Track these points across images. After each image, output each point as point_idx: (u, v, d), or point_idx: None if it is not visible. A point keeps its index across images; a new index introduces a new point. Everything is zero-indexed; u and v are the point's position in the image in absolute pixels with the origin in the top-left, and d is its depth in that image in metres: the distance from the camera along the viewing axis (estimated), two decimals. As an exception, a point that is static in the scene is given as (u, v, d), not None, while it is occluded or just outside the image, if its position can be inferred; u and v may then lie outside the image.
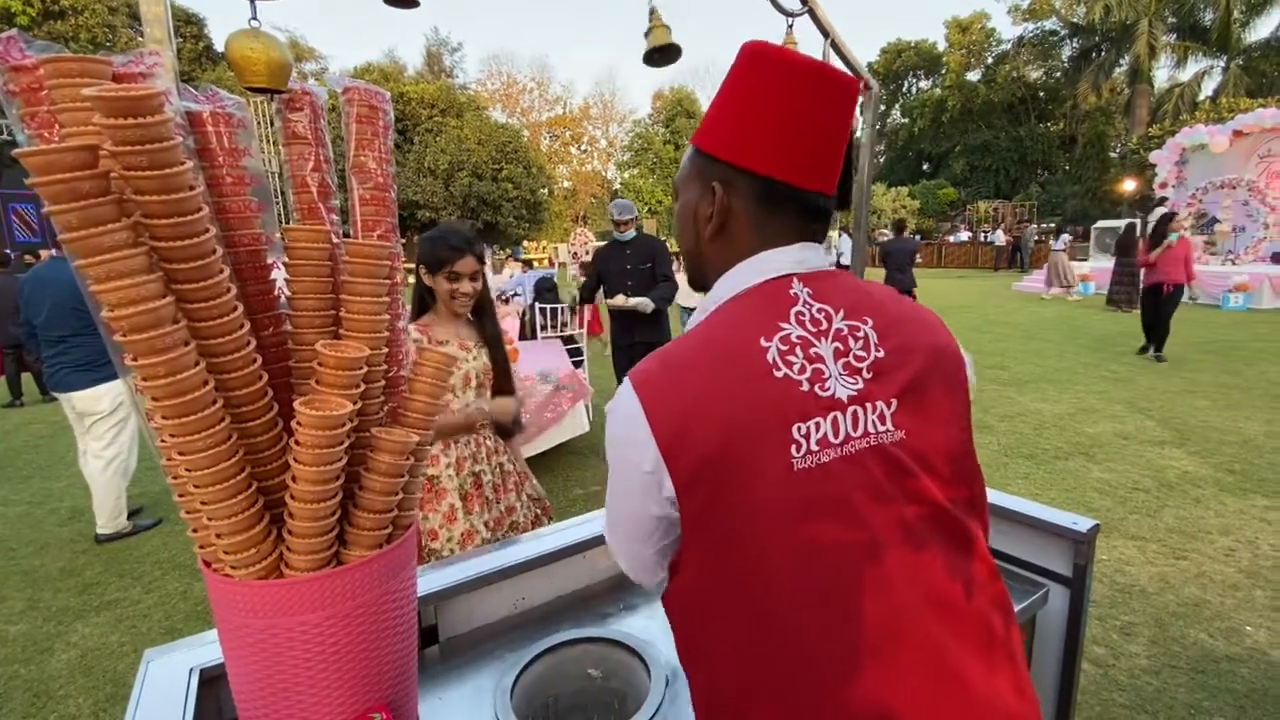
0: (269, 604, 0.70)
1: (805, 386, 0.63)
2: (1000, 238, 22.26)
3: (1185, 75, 25.02)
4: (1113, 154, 28.68)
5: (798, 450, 0.61)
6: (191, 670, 0.94)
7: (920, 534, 0.64)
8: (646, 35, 2.32)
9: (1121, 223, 13.53)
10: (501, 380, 1.88)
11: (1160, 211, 7.87)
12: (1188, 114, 21.44)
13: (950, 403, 0.71)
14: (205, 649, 0.98)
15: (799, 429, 0.62)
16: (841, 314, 0.68)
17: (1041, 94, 31.63)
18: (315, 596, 0.71)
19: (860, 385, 0.65)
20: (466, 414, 1.78)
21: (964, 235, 24.86)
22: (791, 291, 0.68)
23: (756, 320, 0.66)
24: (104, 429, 3.52)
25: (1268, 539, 3.11)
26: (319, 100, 0.85)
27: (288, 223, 0.79)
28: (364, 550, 0.74)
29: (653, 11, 2.30)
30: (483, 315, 1.88)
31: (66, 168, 0.53)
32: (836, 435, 0.63)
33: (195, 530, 0.70)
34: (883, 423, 0.65)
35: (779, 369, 0.63)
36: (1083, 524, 1.28)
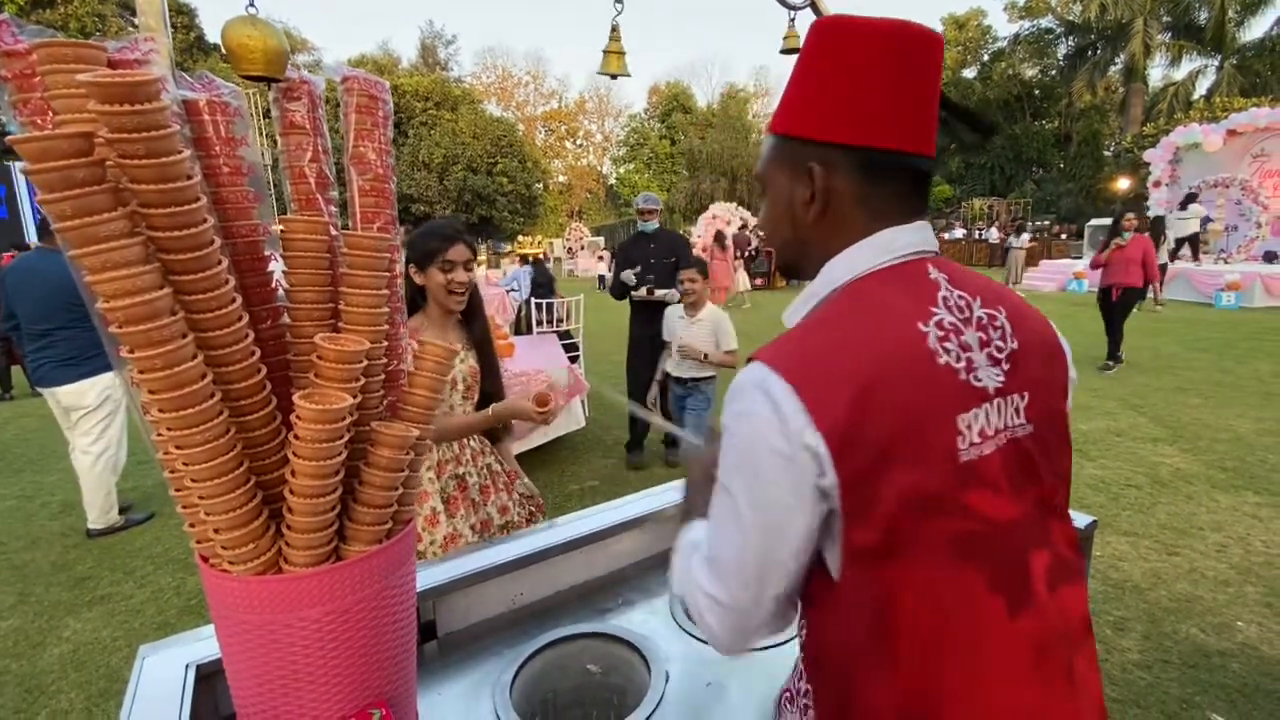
0: (267, 600, 0.69)
1: (963, 375, 0.61)
2: (994, 235, 22.32)
3: (1180, 74, 25.12)
4: (1107, 152, 28.76)
5: (963, 441, 0.59)
6: (188, 666, 0.93)
7: (1042, 530, 0.65)
8: (604, 53, 2.28)
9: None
10: (489, 382, 1.85)
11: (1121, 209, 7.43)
12: (1182, 113, 21.54)
13: (1062, 399, 0.70)
14: (201, 644, 0.97)
15: (963, 419, 0.59)
16: (979, 301, 0.65)
17: (1037, 92, 31.70)
18: (314, 592, 0.70)
19: (1003, 377, 0.63)
20: (482, 416, 1.75)
21: (958, 233, 24.91)
22: (931, 276, 0.65)
23: (907, 301, 0.62)
24: (91, 424, 3.47)
25: (1259, 535, 3.14)
26: (317, 89, 0.84)
27: (282, 214, 0.78)
28: (364, 545, 0.74)
29: (614, 29, 2.24)
30: (472, 317, 1.85)
31: (61, 155, 0.51)
32: (990, 427, 0.61)
33: (192, 525, 0.69)
34: (1018, 416, 0.64)
35: (940, 355, 0.60)
36: (1080, 520, 1.28)
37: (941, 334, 0.61)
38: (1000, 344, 0.64)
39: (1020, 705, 0.61)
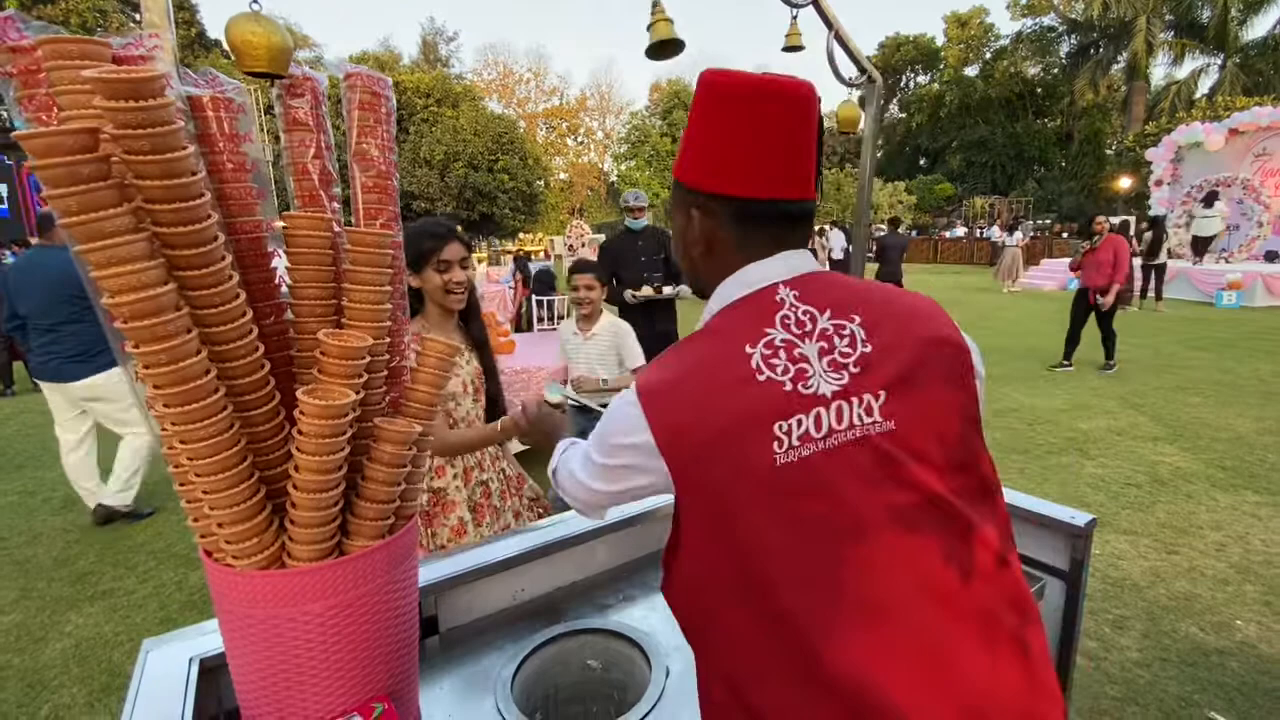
0: (271, 594, 0.69)
1: (788, 386, 0.67)
2: (996, 233, 22.31)
3: (1182, 73, 25.07)
4: (1109, 151, 28.72)
5: (779, 446, 0.65)
6: (191, 660, 0.93)
7: (913, 520, 0.66)
8: (649, 28, 2.29)
9: (1115, 220, 13.55)
10: (492, 383, 1.85)
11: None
12: (1184, 111, 21.48)
13: (948, 392, 0.72)
14: (205, 639, 0.98)
15: (780, 426, 0.66)
16: (827, 314, 0.72)
17: (1039, 90, 31.63)
18: (318, 586, 0.70)
19: (845, 380, 0.68)
20: (491, 429, 1.72)
21: (960, 231, 24.89)
22: (777, 298, 0.72)
23: (743, 329, 0.71)
24: (125, 413, 3.54)
25: (1258, 535, 3.14)
26: (320, 86, 0.84)
27: (285, 211, 0.78)
28: (367, 540, 0.74)
29: (655, 3, 2.26)
30: (470, 318, 1.83)
31: (67, 151, 0.52)
32: (819, 429, 0.66)
33: (196, 520, 0.70)
34: (869, 414, 0.68)
35: (762, 372, 0.68)
36: (1080, 518, 1.29)
37: (769, 352, 0.69)
38: (847, 350, 0.70)
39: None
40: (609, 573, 1.42)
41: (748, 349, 0.69)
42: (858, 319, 0.72)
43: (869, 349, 0.70)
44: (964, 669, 0.63)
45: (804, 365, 0.68)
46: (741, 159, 0.72)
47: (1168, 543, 3.08)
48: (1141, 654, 2.30)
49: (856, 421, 0.67)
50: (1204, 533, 3.17)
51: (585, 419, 2.84)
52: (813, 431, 0.66)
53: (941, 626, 0.64)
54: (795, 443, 0.66)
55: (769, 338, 0.70)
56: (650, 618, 1.25)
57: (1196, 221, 12.45)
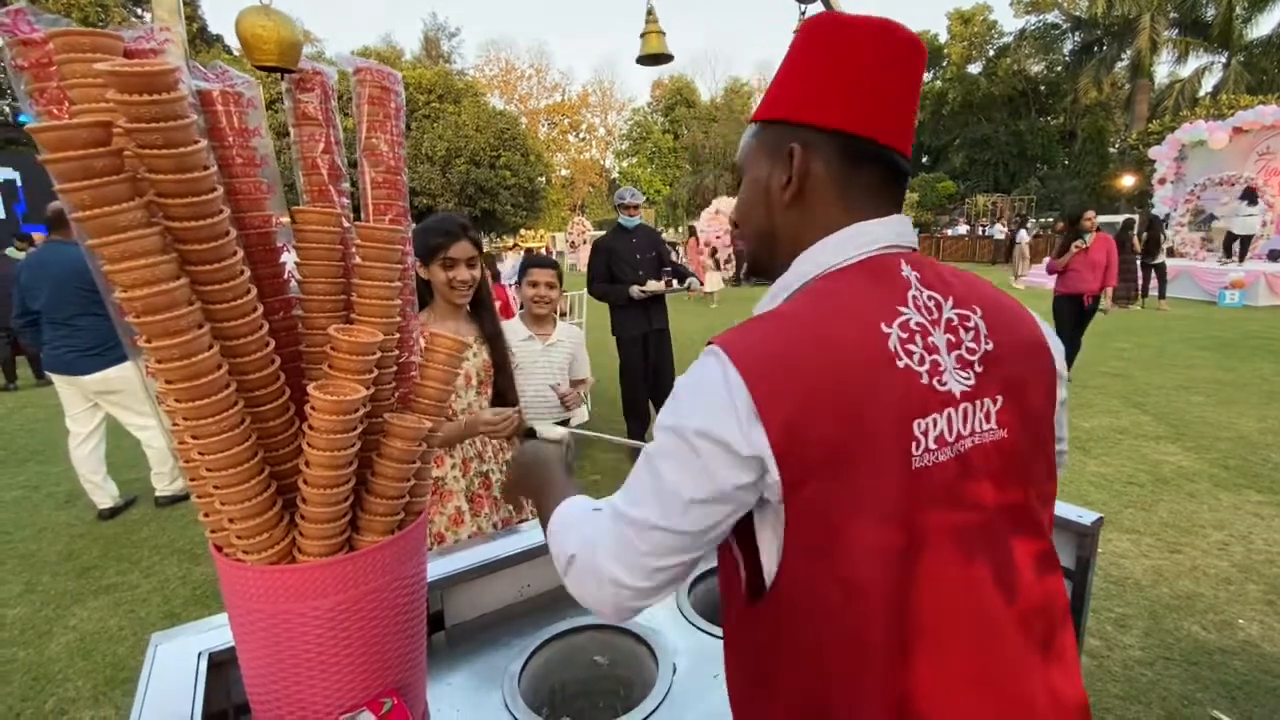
0: (281, 589, 0.69)
1: (925, 379, 0.59)
2: (999, 232, 22.27)
3: (1186, 71, 24.97)
4: (1112, 149, 28.62)
5: (916, 448, 0.57)
6: (200, 654, 0.93)
7: (1002, 529, 0.63)
8: (642, 37, 2.29)
9: (1119, 218, 13.50)
10: (501, 377, 1.85)
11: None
12: (1188, 110, 21.39)
13: (1045, 403, 0.68)
14: (214, 633, 0.98)
15: (919, 425, 0.58)
16: (951, 302, 0.64)
17: (1042, 88, 31.51)
18: (327, 582, 0.70)
19: (973, 380, 0.62)
20: (467, 422, 1.72)
21: (962, 229, 24.84)
22: (904, 273, 0.63)
23: (873, 301, 0.61)
24: (139, 403, 3.58)
25: (1261, 534, 3.14)
26: (329, 80, 0.83)
27: (291, 206, 0.78)
28: (377, 536, 0.74)
29: (649, 12, 2.26)
30: (481, 310, 1.84)
31: (80, 144, 0.51)
32: (951, 433, 0.59)
33: (207, 515, 0.70)
34: (988, 420, 0.62)
35: (901, 358, 0.58)
36: (1087, 517, 1.28)
37: (906, 335, 0.59)
38: (972, 345, 0.63)
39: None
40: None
41: (884, 327, 0.59)
42: (979, 311, 0.65)
43: (991, 346, 0.64)
44: (1024, 684, 0.62)
45: (937, 357, 0.60)
46: (857, 92, 0.63)
47: (1170, 542, 3.08)
48: (1144, 652, 2.30)
49: (978, 428, 0.61)
50: (1206, 532, 3.17)
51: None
52: (946, 435, 0.59)
53: (1011, 639, 0.62)
54: (932, 445, 0.58)
55: (904, 318, 0.60)
56: (657, 614, 1.25)
57: (1237, 220, 11.95)
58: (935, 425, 0.58)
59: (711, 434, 0.56)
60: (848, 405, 0.55)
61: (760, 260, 0.73)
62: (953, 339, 0.62)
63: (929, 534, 0.58)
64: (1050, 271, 5.72)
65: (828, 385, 0.55)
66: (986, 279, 0.71)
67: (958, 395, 0.60)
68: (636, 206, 4.29)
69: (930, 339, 0.60)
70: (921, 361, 0.59)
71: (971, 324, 0.64)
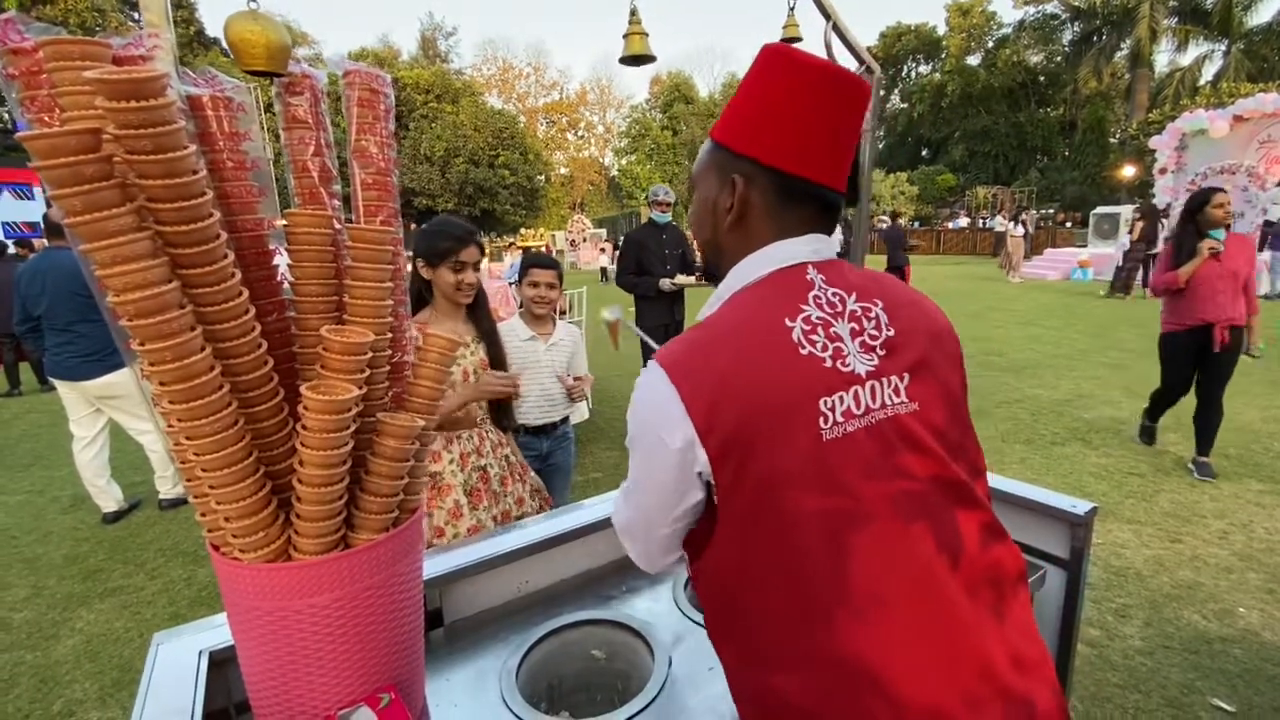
0: (278, 587, 0.70)
1: (828, 363, 0.68)
2: (999, 224, 22.22)
3: (1186, 60, 24.90)
4: (1112, 139, 28.51)
5: (825, 422, 0.66)
6: (201, 653, 0.95)
7: (936, 498, 0.69)
8: (625, 38, 2.30)
9: (1121, 209, 13.45)
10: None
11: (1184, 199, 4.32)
12: (1188, 99, 21.33)
13: (953, 379, 0.77)
14: (214, 632, 0.99)
15: (825, 402, 0.66)
16: (854, 296, 0.73)
17: (1042, 79, 31.41)
18: (323, 579, 0.71)
19: (876, 361, 0.71)
20: (476, 385, 1.77)
21: (963, 221, 24.79)
22: (807, 277, 0.73)
23: (778, 302, 0.71)
24: (139, 407, 3.61)
25: (1262, 522, 3.14)
26: (319, 84, 0.84)
27: (284, 209, 0.79)
28: (371, 533, 0.75)
29: (633, 13, 2.27)
30: (478, 309, 1.87)
31: (70, 151, 0.52)
32: (859, 407, 0.68)
33: (203, 514, 0.71)
34: (897, 395, 0.70)
35: (804, 346, 0.68)
36: (1080, 507, 1.29)
37: (808, 328, 0.69)
38: (874, 333, 0.72)
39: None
40: (612, 565, 1.43)
41: (787, 322, 0.69)
42: (880, 303, 0.74)
43: (892, 333, 0.73)
44: (975, 638, 0.66)
45: (840, 344, 0.70)
46: (796, 134, 0.72)
47: (1171, 531, 3.08)
48: (1144, 642, 2.31)
49: (887, 401, 0.70)
50: (1207, 521, 3.17)
51: (550, 441, 2.43)
52: (854, 409, 0.67)
53: (958, 599, 0.67)
54: (839, 419, 0.67)
55: (805, 314, 0.70)
56: (653, 608, 1.26)
57: (1273, 209, 11.89)
58: (842, 401, 0.67)
59: (656, 432, 0.69)
60: (755, 389, 0.65)
61: (710, 266, 0.84)
62: (856, 327, 0.71)
63: (864, 501, 0.66)
64: (1159, 291, 3.77)
65: (738, 373, 0.66)
66: (894, 278, 0.81)
67: (863, 374, 0.69)
68: (669, 204, 4.42)
69: (833, 329, 0.70)
70: (824, 349, 0.69)
71: (873, 315, 0.73)
